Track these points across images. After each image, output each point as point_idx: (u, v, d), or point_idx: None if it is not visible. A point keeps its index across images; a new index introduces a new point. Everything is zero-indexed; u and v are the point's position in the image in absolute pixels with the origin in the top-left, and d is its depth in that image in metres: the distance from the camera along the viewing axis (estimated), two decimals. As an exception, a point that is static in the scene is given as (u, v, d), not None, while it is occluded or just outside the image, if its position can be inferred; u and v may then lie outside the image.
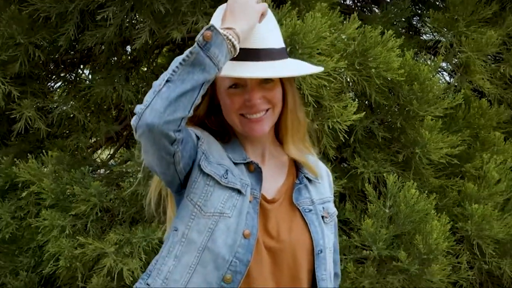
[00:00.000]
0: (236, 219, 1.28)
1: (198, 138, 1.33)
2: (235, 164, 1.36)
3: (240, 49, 1.22)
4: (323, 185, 1.50)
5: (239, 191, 1.31)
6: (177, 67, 1.14)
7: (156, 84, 1.15)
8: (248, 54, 1.29)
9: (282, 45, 1.38)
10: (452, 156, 2.87)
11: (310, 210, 1.40)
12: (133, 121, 1.16)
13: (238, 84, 1.32)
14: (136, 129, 1.15)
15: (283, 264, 1.32)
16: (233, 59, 1.24)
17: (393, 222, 2.66)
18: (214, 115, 1.43)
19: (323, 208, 1.44)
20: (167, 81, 1.13)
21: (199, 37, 1.13)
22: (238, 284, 1.25)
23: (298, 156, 1.45)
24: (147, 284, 1.32)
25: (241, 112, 1.34)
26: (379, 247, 2.58)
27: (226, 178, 1.31)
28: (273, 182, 1.42)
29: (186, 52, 1.14)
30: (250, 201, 1.33)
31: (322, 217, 1.42)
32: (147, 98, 1.15)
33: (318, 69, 1.46)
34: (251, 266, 1.27)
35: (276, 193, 1.41)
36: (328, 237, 1.41)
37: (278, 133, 1.46)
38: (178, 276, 1.27)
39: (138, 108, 1.15)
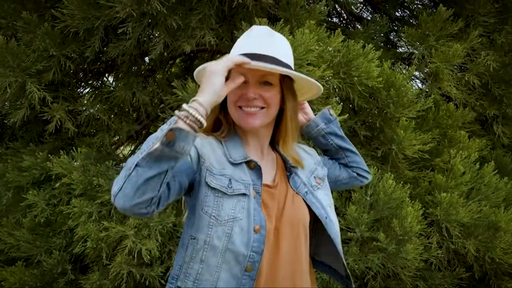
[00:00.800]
0: (246, 219, 1.30)
1: (199, 157, 1.32)
2: (236, 164, 1.37)
3: (252, 54, 1.31)
4: (305, 160, 1.52)
5: (244, 194, 1.32)
6: (145, 156, 1.11)
7: (128, 164, 1.13)
8: (258, 57, 1.32)
9: (290, 64, 1.41)
10: (424, 151, 2.87)
11: (307, 192, 1.45)
12: (111, 198, 1.15)
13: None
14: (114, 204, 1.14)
15: (285, 236, 1.35)
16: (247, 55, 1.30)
17: (373, 208, 2.65)
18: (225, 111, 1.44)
19: (314, 177, 1.50)
20: (136, 165, 1.11)
21: (162, 138, 1.09)
22: (257, 271, 1.29)
23: (294, 155, 1.48)
24: (178, 286, 1.33)
25: (239, 104, 1.36)
26: (361, 230, 2.57)
27: (231, 187, 1.32)
28: (269, 173, 1.44)
29: (156, 139, 1.12)
30: (254, 197, 1.34)
31: (314, 186, 1.48)
32: (119, 180, 1.13)
33: (317, 84, 1.45)
34: (264, 251, 1.30)
35: (274, 181, 1.44)
36: (325, 198, 1.48)
37: (277, 133, 1.48)
38: (208, 275, 1.29)
39: (112, 190, 1.14)
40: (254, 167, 1.38)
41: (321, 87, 1.45)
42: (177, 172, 1.24)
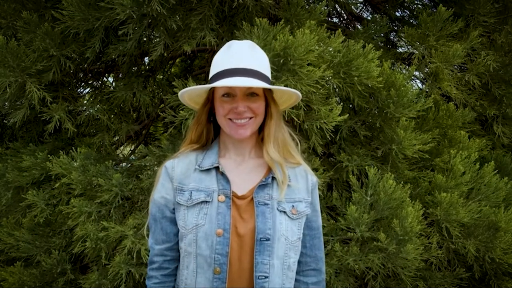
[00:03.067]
0: (209, 224, 1.42)
1: (172, 183, 1.50)
2: (204, 171, 1.49)
3: (236, 69, 1.42)
4: (297, 188, 1.53)
5: (205, 202, 1.44)
6: None
7: None
8: (238, 72, 1.42)
9: (268, 74, 1.50)
10: (424, 151, 2.86)
11: (265, 204, 1.46)
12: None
13: (230, 93, 1.46)
14: None
15: (244, 248, 1.43)
16: (225, 74, 1.41)
17: (373, 208, 2.64)
18: (212, 122, 1.57)
19: (293, 206, 1.49)
20: None
21: None
22: (226, 273, 1.40)
23: (276, 158, 1.49)
24: None
25: (229, 116, 1.46)
26: (361, 230, 2.56)
27: (190, 199, 1.45)
28: (249, 180, 1.51)
29: None
30: (221, 201, 1.44)
31: (284, 212, 1.46)
32: None
33: (296, 92, 1.52)
34: (231, 254, 1.40)
35: (248, 191, 1.49)
36: (287, 229, 1.46)
37: (262, 138, 1.54)
38: (190, 280, 1.44)
39: None
40: (222, 173, 1.48)
41: (299, 94, 1.52)
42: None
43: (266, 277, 1.41)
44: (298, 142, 1.58)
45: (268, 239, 1.41)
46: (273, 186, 1.49)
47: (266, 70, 1.49)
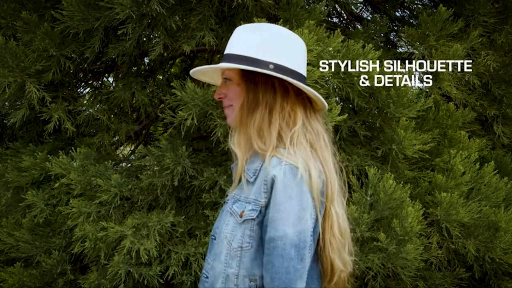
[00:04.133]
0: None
1: None
2: (232, 169, 1.46)
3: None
4: (252, 187, 1.28)
5: (224, 203, 1.41)
6: None
7: None
8: (223, 58, 1.36)
9: (252, 55, 1.32)
10: (424, 151, 2.86)
11: (226, 202, 1.37)
12: None
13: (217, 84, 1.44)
14: None
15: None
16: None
17: (373, 208, 2.63)
18: None
19: (245, 207, 1.27)
20: None
21: None
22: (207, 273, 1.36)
23: (232, 149, 1.36)
24: None
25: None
26: (362, 230, 2.56)
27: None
28: None
29: None
30: (226, 203, 1.38)
31: (232, 213, 1.29)
32: None
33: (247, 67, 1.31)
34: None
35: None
36: (232, 232, 1.27)
37: None
38: None
39: None
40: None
41: (269, 72, 1.31)
42: None
43: (207, 277, 1.32)
44: (310, 130, 1.34)
45: (215, 238, 1.33)
46: (238, 183, 1.34)
47: (255, 52, 1.32)
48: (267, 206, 1.23)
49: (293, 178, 1.21)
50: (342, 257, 1.35)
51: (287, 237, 1.18)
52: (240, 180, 1.33)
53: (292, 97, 1.34)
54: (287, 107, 1.32)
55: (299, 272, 1.18)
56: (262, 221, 1.24)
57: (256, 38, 1.33)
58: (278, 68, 1.31)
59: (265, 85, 1.33)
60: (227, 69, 1.36)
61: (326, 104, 1.41)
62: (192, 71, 1.43)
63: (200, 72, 1.46)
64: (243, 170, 1.31)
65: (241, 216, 1.26)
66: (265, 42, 1.33)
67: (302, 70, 1.38)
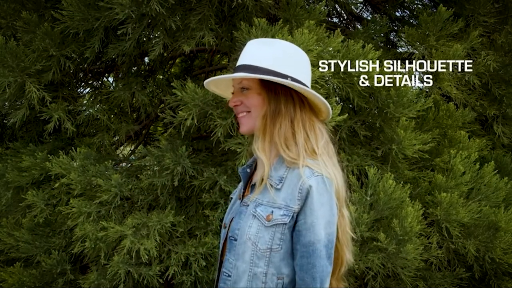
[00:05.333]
0: (225, 217, 1.52)
1: None
2: (241, 173, 1.52)
3: (235, 68, 1.43)
4: (284, 192, 1.36)
5: (231, 199, 1.56)
6: None
7: None
8: (237, 69, 1.43)
9: (272, 68, 1.40)
10: (424, 151, 2.86)
11: (246, 205, 1.43)
12: None
13: (233, 91, 1.49)
14: None
15: (225, 245, 1.46)
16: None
17: (373, 208, 2.63)
18: None
19: (272, 211, 1.35)
20: None
21: None
22: (219, 256, 1.49)
23: (259, 155, 1.41)
24: None
25: (235, 112, 1.49)
26: (361, 230, 2.56)
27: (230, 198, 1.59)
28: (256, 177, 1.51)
29: None
30: (239, 199, 1.48)
31: (256, 216, 1.35)
32: None
33: (283, 80, 1.38)
34: (222, 248, 1.47)
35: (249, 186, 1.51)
36: (258, 234, 1.34)
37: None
38: None
39: None
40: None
41: (291, 83, 1.38)
42: None
43: (229, 275, 1.39)
44: (324, 139, 1.42)
45: (235, 239, 1.39)
46: (255, 187, 1.42)
47: (272, 64, 1.40)
48: (299, 212, 1.33)
49: (324, 187, 1.34)
50: (350, 253, 1.50)
51: (322, 240, 1.32)
52: (261, 185, 1.41)
53: (307, 109, 1.43)
54: (306, 118, 1.42)
55: (328, 269, 1.34)
56: (293, 225, 1.34)
57: (272, 52, 1.43)
58: (295, 80, 1.40)
59: (285, 96, 1.41)
60: (245, 78, 1.42)
61: (331, 114, 1.50)
62: (206, 82, 1.50)
63: (213, 84, 1.55)
64: (267, 176, 1.39)
65: (268, 220, 1.35)
66: (281, 56, 1.42)
67: (309, 83, 1.48)
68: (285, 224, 1.33)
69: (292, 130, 1.40)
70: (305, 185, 1.33)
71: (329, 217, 1.34)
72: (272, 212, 1.35)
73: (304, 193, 1.33)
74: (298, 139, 1.39)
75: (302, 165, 1.35)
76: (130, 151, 3.70)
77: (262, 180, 1.39)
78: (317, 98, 1.41)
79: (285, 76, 1.39)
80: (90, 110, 3.24)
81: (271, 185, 1.37)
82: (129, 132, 3.28)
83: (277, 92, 1.41)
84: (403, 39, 3.50)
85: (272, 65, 1.40)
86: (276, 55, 1.42)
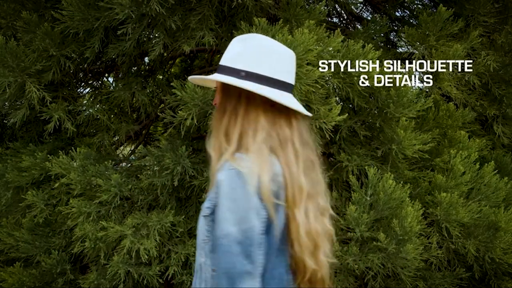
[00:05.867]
0: None
1: None
2: None
3: None
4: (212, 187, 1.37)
5: None
6: None
7: None
8: None
9: (230, 65, 1.40)
10: (424, 151, 2.86)
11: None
12: None
13: None
14: None
15: None
16: None
17: (373, 208, 2.63)
18: None
19: (207, 205, 1.35)
20: None
21: None
22: None
23: (211, 154, 1.40)
24: None
25: None
26: (361, 230, 2.56)
27: None
28: None
29: None
30: None
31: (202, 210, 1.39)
32: None
33: (213, 78, 1.40)
34: None
35: None
36: (200, 227, 1.36)
37: None
38: None
39: None
40: None
41: (220, 78, 1.39)
42: None
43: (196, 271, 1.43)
44: (264, 133, 1.37)
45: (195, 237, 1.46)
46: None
47: (231, 60, 1.40)
48: (216, 205, 1.31)
49: (238, 181, 1.27)
50: (315, 257, 1.41)
51: (232, 235, 1.25)
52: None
53: (257, 103, 1.38)
54: (252, 113, 1.38)
55: (245, 267, 1.24)
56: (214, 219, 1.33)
57: (239, 48, 1.41)
58: (249, 75, 1.37)
59: (233, 92, 1.39)
60: (215, 81, 1.44)
61: (297, 108, 1.42)
62: (190, 78, 1.55)
63: (200, 82, 1.59)
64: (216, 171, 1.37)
65: (203, 212, 1.35)
66: (245, 51, 1.40)
67: (285, 77, 1.42)
68: (208, 216, 1.33)
69: (234, 126, 1.38)
70: (218, 178, 1.30)
71: (243, 213, 1.26)
72: (207, 205, 1.35)
73: (219, 186, 1.30)
74: (234, 134, 1.36)
75: (225, 160, 1.32)
76: (130, 151, 3.70)
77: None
78: (263, 92, 1.35)
79: (238, 71, 1.37)
80: (90, 110, 3.24)
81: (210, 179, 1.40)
82: (129, 132, 3.28)
83: (228, 89, 1.41)
84: (403, 39, 3.50)
85: (231, 61, 1.40)
86: (239, 50, 1.40)
